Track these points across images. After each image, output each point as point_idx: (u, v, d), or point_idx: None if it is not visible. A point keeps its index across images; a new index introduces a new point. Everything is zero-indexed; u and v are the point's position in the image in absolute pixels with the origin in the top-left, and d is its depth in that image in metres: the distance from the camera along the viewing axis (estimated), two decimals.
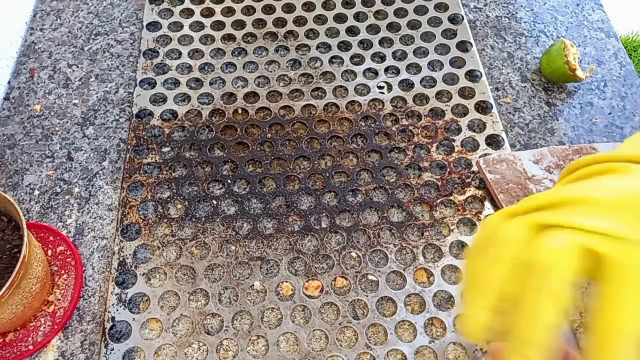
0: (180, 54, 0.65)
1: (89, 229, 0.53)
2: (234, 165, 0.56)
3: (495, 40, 0.67)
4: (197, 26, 0.67)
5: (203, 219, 0.53)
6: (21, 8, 0.69)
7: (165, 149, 0.57)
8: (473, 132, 0.59)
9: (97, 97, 0.62)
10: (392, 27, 0.67)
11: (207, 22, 0.67)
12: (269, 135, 0.58)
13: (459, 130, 0.59)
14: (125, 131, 0.59)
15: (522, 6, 0.70)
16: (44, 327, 0.47)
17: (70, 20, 0.69)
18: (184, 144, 0.57)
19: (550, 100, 0.62)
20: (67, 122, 0.60)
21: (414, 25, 0.67)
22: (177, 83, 0.62)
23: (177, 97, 0.61)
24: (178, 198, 0.54)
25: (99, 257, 0.51)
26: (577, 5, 0.70)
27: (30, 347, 0.46)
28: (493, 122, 0.59)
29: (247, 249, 0.51)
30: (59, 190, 0.55)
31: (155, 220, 0.53)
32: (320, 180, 0.55)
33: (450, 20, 0.68)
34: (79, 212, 0.54)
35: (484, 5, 0.70)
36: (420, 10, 0.69)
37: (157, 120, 0.59)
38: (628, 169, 0.28)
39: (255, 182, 0.55)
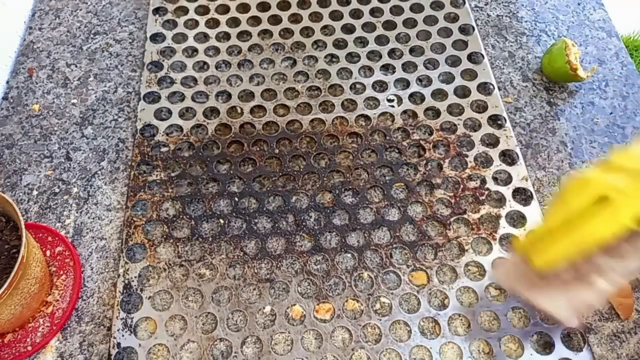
0: (185, 66, 0.63)
1: (87, 229, 0.53)
2: (241, 182, 0.55)
3: (497, 40, 0.67)
4: (202, 37, 0.66)
5: (210, 238, 0.51)
6: (20, 7, 0.69)
7: (170, 166, 0.56)
8: (486, 147, 0.57)
9: (95, 96, 0.62)
10: (401, 37, 0.66)
11: (212, 33, 0.66)
12: (277, 151, 0.57)
13: (472, 145, 0.57)
14: (124, 131, 0.59)
15: (523, 5, 0.70)
16: (43, 328, 0.47)
17: (69, 19, 0.68)
18: (189, 161, 0.56)
19: (551, 99, 0.62)
20: (65, 121, 0.60)
21: (423, 36, 0.66)
22: (182, 97, 0.61)
23: (182, 112, 0.60)
24: (184, 217, 0.53)
25: (97, 257, 0.51)
26: (579, 4, 0.70)
27: (29, 348, 0.46)
28: (507, 136, 0.58)
29: (256, 270, 0.50)
30: (57, 190, 0.55)
31: (161, 240, 0.51)
32: (329, 197, 0.54)
33: (460, 30, 0.66)
34: (77, 212, 0.54)
35: (485, 5, 0.70)
36: (430, 20, 0.67)
37: (162, 135, 0.58)
38: None
39: (263, 199, 0.53)
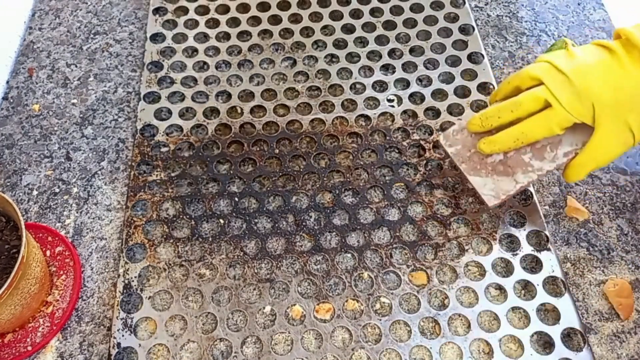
0: (185, 66, 0.63)
1: (87, 229, 0.53)
2: (241, 182, 0.55)
3: (497, 40, 0.67)
4: (202, 37, 0.66)
5: (210, 238, 0.51)
6: (20, 7, 0.69)
7: (170, 166, 0.56)
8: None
9: (95, 96, 0.62)
10: (401, 38, 0.65)
11: (212, 33, 0.66)
12: (277, 151, 0.56)
13: None
14: (125, 131, 0.59)
15: (523, 5, 0.70)
16: (43, 328, 0.47)
17: (69, 19, 0.68)
18: (189, 161, 0.56)
19: None
20: (65, 122, 0.60)
21: (423, 36, 0.65)
22: (182, 97, 0.61)
23: (182, 112, 0.59)
24: (184, 217, 0.53)
25: (97, 257, 0.51)
26: (579, 4, 0.70)
27: (29, 348, 0.46)
28: None
29: (256, 270, 0.50)
30: (57, 190, 0.55)
31: (161, 240, 0.51)
32: (329, 197, 0.54)
33: (460, 30, 0.66)
34: (77, 212, 0.54)
35: (485, 5, 0.70)
36: (430, 20, 0.67)
37: (162, 135, 0.58)
38: (612, 50, 0.44)
39: (263, 199, 0.53)
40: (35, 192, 0.55)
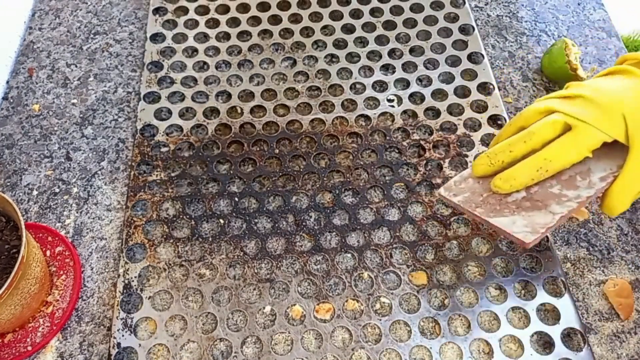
0: (185, 66, 0.63)
1: (87, 229, 0.53)
2: (241, 181, 0.55)
3: (497, 40, 0.67)
4: (202, 37, 0.66)
5: (210, 238, 0.51)
6: (20, 7, 0.69)
7: (170, 166, 0.56)
8: (486, 148, 0.56)
9: (95, 96, 0.62)
10: (401, 37, 0.65)
11: (212, 33, 0.66)
12: (277, 151, 0.56)
13: (472, 145, 0.57)
14: (124, 131, 0.59)
15: (523, 5, 0.70)
16: (43, 328, 0.47)
17: (69, 19, 0.68)
18: (189, 161, 0.56)
19: None
20: (65, 122, 0.60)
21: (423, 35, 0.65)
22: (182, 97, 0.60)
23: (182, 112, 0.59)
24: (184, 217, 0.52)
25: (97, 257, 0.51)
26: (579, 4, 0.70)
27: (29, 348, 0.46)
28: None
29: (256, 270, 0.50)
30: (57, 190, 0.55)
31: (161, 240, 0.51)
32: (329, 197, 0.54)
33: (460, 30, 0.66)
34: (77, 212, 0.54)
35: (485, 5, 0.70)
36: (430, 20, 0.67)
37: (162, 135, 0.57)
38: (629, 71, 0.40)
39: (263, 199, 0.53)
40: (35, 192, 0.55)
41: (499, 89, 0.62)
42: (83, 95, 0.62)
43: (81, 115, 0.60)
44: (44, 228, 0.52)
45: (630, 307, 0.49)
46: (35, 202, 0.54)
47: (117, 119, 0.60)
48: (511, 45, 0.66)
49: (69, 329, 0.48)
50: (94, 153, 0.58)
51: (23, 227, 0.41)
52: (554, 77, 0.62)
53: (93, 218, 0.53)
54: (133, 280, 0.49)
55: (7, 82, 0.63)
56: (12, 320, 0.44)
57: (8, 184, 0.55)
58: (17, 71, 0.64)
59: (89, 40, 0.67)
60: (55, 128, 0.59)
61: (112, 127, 0.59)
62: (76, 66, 0.64)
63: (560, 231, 0.53)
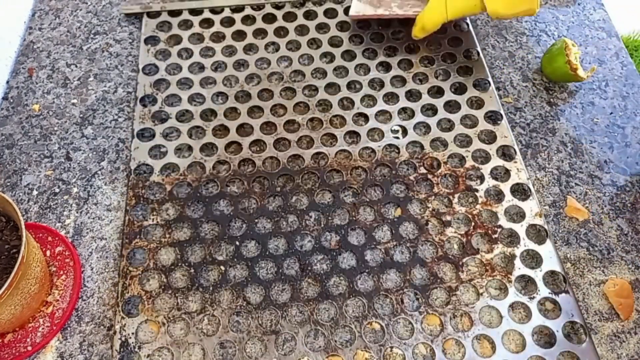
0: (179, 99, 0.60)
1: (87, 229, 0.53)
2: (241, 222, 0.52)
3: (497, 40, 0.67)
4: (197, 68, 0.63)
5: (211, 288, 0.49)
6: (20, 7, 0.69)
7: (167, 209, 0.53)
8: (497, 181, 0.55)
9: (95, 96, 0.62)
10: (403, 63, 0.63)
11: (207, 62, 0.63)
12: (278, 189, 0.54)
13: (482, 179, 0.54)
14: (124, 131, 0.59)
15: None
16: (43, 328, 0.47)
17: (69, 19, 0.68)
18: (186, 202, 0.53)
19: (551, 99, 0.62)
20: (65, 122, 0.60)
21: (427, 61, 0.63)
22: (177, 133, 0.58)
23: (177, 149, 0.57)
24: (183, 264, 0.50)
25: (97, 257, 0.51)
26: (579, 4, 0.70)
27: (29, 348, 0.46)
28: (518, 169, 0.55)
29: (260, 322, 0.47)
30: (57, 190, 0.55)
31: (159, 291, 0.49)
32: (335, 238, 0.51)
33: (465, 56, 0.63)
34: (77, 212, 0.54)
35: None
36: (433, 45, 0.64)
37: (158, 175, 0.55)
38: None
39: (265, 242, 0.51)
40: (35, 192, 0.55)
41: (499, 89, 0.62)
42: (83, 95, 0.62)
43: (81, 115, 0.60)
44: (44, 228, 0.52)
45: (630, 307, 0.49)
46: (35, 202, 0.54)
47: (117, 119, 0.60)
48: (511, 45, 0.66)
49: (69, 329, 0.48)
50: (94, 153, 0.58)
51: (23, 227, 0.41)
52: (554, 77, 0.62)
53: (93, 218, 0.53)
54: (130, 337, 0.46)
55: (7, 82, 0.63)
56: (12, 320, 0.44)
57: (8, 184, 0.55)
58: (17, 71, 0.64)
59: (89, 40, 0.67)
60: (55, 128, 0.59)
61: (112, 127, 0.59)
62: (76, 66, 0.64)
63: (560, 231, 0.53)
